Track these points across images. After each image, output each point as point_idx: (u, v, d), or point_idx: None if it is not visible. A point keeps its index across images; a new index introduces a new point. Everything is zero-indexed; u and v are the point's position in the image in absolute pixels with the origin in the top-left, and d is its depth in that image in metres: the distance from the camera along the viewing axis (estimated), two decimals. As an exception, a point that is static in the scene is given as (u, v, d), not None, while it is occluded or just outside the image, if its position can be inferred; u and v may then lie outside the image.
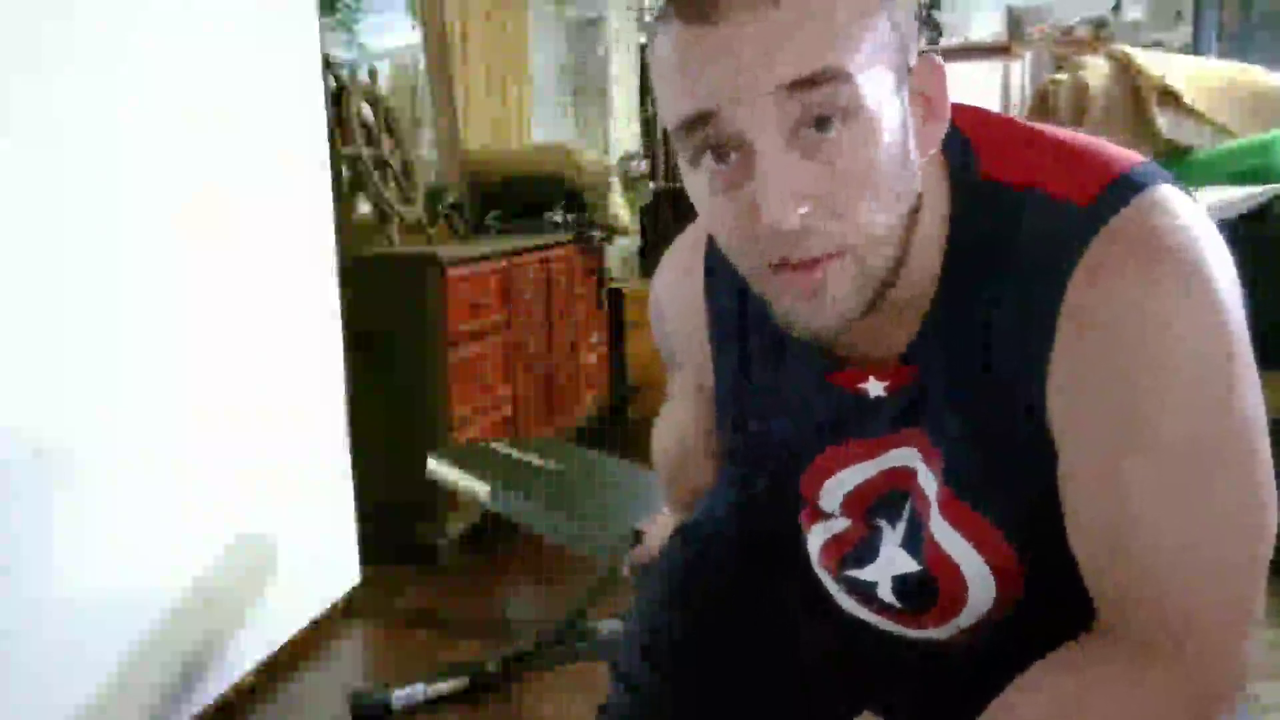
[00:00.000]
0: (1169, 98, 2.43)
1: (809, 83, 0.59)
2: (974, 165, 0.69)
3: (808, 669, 0.90)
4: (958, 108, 0.70)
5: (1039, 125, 0.71)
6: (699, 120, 0.62)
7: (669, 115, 0.64)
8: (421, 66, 3.32)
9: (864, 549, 0.82)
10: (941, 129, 0.67)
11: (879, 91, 0.61)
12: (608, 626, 2.01)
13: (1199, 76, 2.51)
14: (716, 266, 0.83)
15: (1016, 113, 5.17)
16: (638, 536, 1.18)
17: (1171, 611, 0.64)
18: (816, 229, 0.62)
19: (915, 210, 0.66)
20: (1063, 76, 2.59)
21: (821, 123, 0.61)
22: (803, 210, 0.61)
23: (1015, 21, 5.59)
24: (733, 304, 0.82)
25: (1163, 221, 0.63)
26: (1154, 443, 0.63)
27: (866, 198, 0.62)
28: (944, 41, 5.51)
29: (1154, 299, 0.61)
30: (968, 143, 0.69)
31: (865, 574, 0.82)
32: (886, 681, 0.92)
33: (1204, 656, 0.64)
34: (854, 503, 0.81)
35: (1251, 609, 0.65)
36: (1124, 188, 0.64)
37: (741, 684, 0.89)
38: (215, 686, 1.78)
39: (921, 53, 0.66)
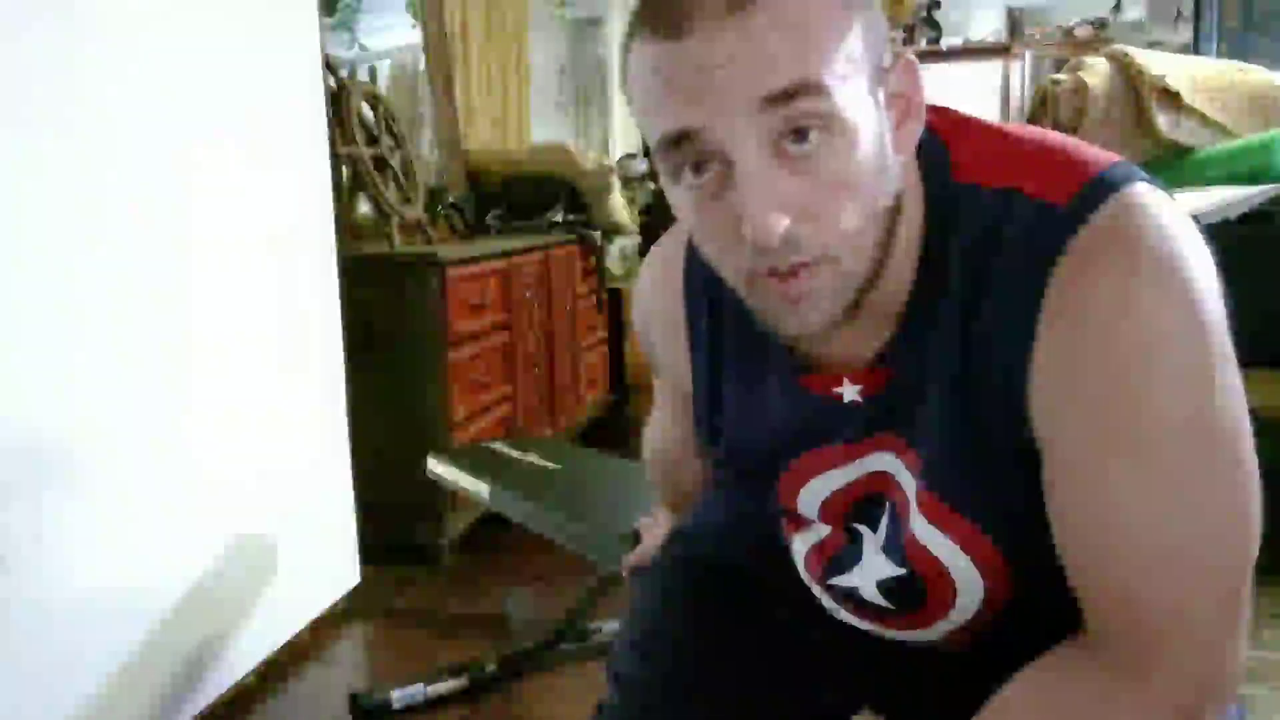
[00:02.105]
0: (1169, 98, 2.43)
1: (786, 96, 0.60)
2: (949, 168, 0.69)
3: (801, 669, 0.90)
4: (933, 109, 0.71)
5: (1014, 126, 0.72)
6: (682, 138, 0.63)
7: (650, 133, 0.65)
8: (421, 66, 3.32)
9: (846, 555, 0.82)
10: (918, 129, 0.68)
11: (855, 98, 0.62)
12: (608, 626, 2.01)
13: (1199, 76, 2.51)
14: (694, 274, 0.83)
15: (1016, 113, 5.17)
16: (637, 537, 1.18)
17: (1160, 613, 0.64)
18: (799, 239, 0.62)
19: (896, 211, 0.67)
20: (1063, 76, 2.59)
21: (800, 133, 0.61)
22: (785, 222, 0.61)
23: (1015, 21, 5.60)
24: (709, 311, 0.82)
25: (1141, 221, 0.63)
26: (1137, 443, 0.62)
27: (847, 205, 0.63)
28: (944, 41, 5.51)
29: (1134, 299, 0.61)
30: (943, 145, 0.70)
31: (848, 580, 0.82)
32: (881, 683, 0.92)
33: (1194, 659, 0.64)
34: (831, 509, 0.81)
35: (1241, 609, 0.65)
36: (1101, 187, 0.64)
37: (736, 684, 0.89)
38: (215, 686, 1.78)
39: (895, 53, 0.66)
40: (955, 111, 0.72)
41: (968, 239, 0.67)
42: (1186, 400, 0.62)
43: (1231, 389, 0.63)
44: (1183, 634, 0.64)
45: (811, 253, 0.63)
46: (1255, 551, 0.65)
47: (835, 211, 0.63)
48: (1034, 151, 0.68)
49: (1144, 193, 0.64)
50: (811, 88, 0.60)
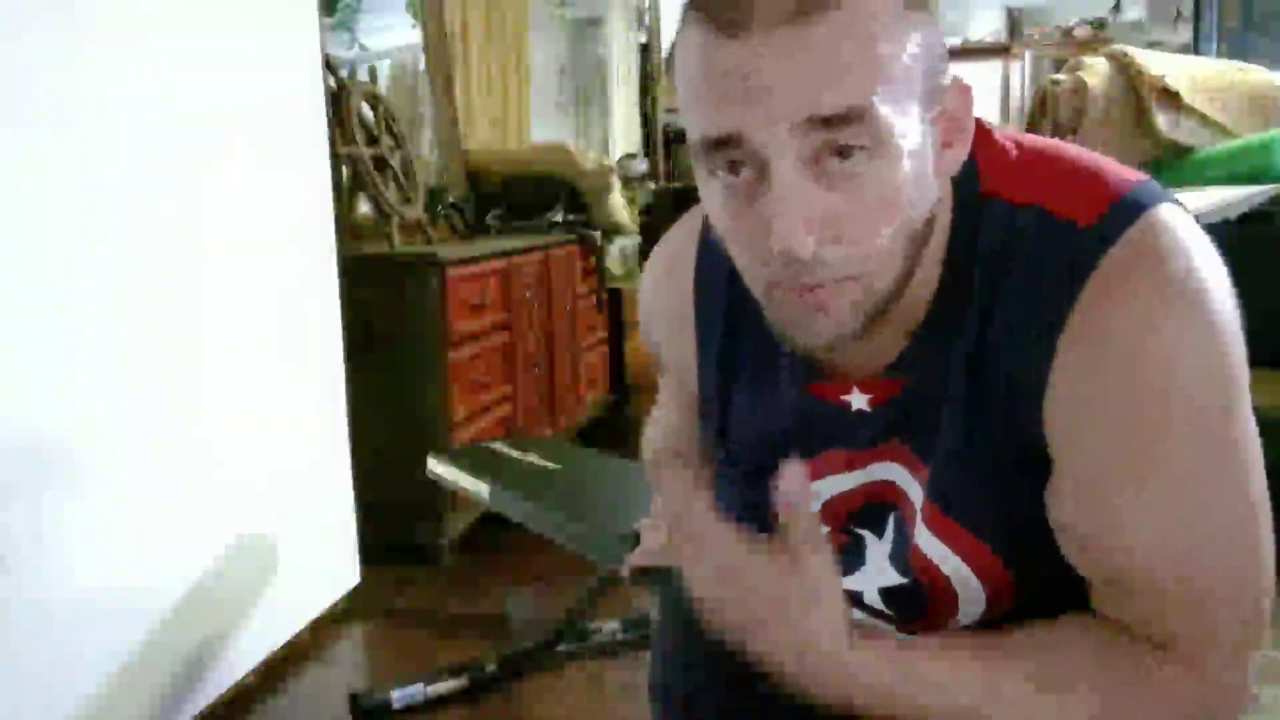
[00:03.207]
0: (1169, 98, 2.43)
1: (836, 119, 0.59)
2: (975, 180, 0.69)
3: None
4: None
5: (1039, 140, 0.71)
6: (723, 142, 0.61)
7: (691, 128, 0.64)
8: (421, 66, 3.32)
9: (848, 558, 0.81)
10: (964, 153, 0.67)
11: (905, 121, 0.61)
12: (608, 626, 2.01)
13: (1199, 76, 2.51)
14: (708, 270, 0.82)
15: (1016, 113, 5.17)
16: (637, 537, 1.18)
17: (1177, 641, 0.65)
18: (827, 256, 0.61)
19: (928, 227, 0.66)
20: (1062, 77, 2.59)
21: (844, 151, 0.60)
22: (812, 242, 0.60)
23: (1015, 22, 5.60)
24: (719, 308, 0.82)
25: (1167, 244, 0.63)
26: (1157, 466, 0.63)
27: (881, 226, 0.62)
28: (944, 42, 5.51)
29: (1159, 323, 0.61)
30: (969, 156, 0.69)
31: (849, 584, 0.82)
32: None
33: (1208, 683, 0.66)
34: (831, 514, 0.80)
35: (1260, 626, 0.66)
36: (1128, 209, 0.64)
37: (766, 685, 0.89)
38: (215, 686, 1.78)
39: (951, 75, 0.65)
40: (979, 120, 0.71)
41: (990, 253, 0.67)
42: (1208, 425, 0.63)
43: (1247, 417, 0.64)
44: (1206, 648, 0.65)
45: (839, 272, 0.62)
46: (1272, 574, 0.66)
47: (868, 232, 0.62)
48: (1058, 167, 0.68)
49: (1169, 215, 0.64)
50: (863, 113, 0.58)
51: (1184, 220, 0.65)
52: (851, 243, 0.62)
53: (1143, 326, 0.62)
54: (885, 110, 0.59)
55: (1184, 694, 0.66)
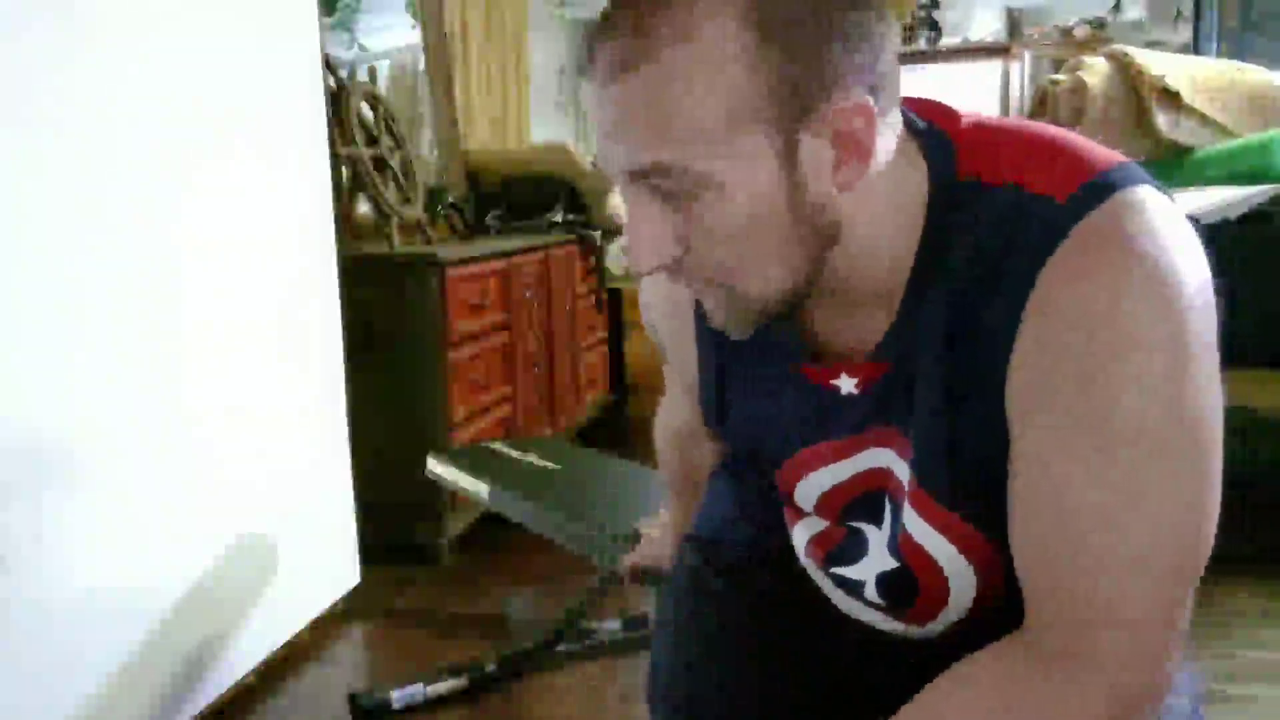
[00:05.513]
0: (1169, 98, 2.44)
1: (644, 173, 0.65)
2: (953, 164, 0.69)
3: (818, 670, 0.90)
4: (941, 108, 0.71)
5: (1020, 122, 0.72)
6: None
7: None
8: (421, 66, 3.32)
9: (849, 548, 0.82)
10: (863, 168, 0.66)
11: (740, 162, 0.64)
12: (608, 626, 2.01)
13: (1199, 76, 2.51)
14: None
15: (1015, 113, 5.17)
16: (637, 537, 1.18)
17: (1097, 610, 0.64)
18: (681, 268, 0.68)
19: (827, 233, 0.67)
20: (1062, 76, 2.59)
21: (670, 194, 0.66)
22: (652, 262, 0.67)
23: (1014, 22, 5.59)
24: None
25: (1135, 223, 0.63)
26: (1099, 444, 0.63)
27: (721, 247, 0.66)
28: (944, 41, 5.52)
29: (1117, 302, 0.61)
30: (948, 142, 0.70)
31: (851, 572, 0.82)
32: (891, 683, 0.92)
33: (1127, 656, 0.64)
34: (828, 504, 0.81)
35: (1179, 616, 0.65)
36: (1100, 187, 0.64)
37: (766, 685, 0.88)
38: (215, 686, 1.78)
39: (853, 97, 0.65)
40: (958, 110, 0.72)
41: (967, 234, 0.68)
42: (1154, 408, 0.62)
43: (1206, 400, 0.63)
44: (1119, 629, 0.64)
45: (696, 280, 0.69)
46: (1203, 562, 0.65)
47: (709, 252, 0.67)
48: (1037, 147, 0.68)
49: (1142, 196, 0.64)
50: (665, 169, 0.64)
51: (1158, 202, 0.65)
52: (696, 258, 0.68)
53: (1099, 303, 0.62)
54: (696, 158, 0.63)
55: (1099, 689, 0.64)
